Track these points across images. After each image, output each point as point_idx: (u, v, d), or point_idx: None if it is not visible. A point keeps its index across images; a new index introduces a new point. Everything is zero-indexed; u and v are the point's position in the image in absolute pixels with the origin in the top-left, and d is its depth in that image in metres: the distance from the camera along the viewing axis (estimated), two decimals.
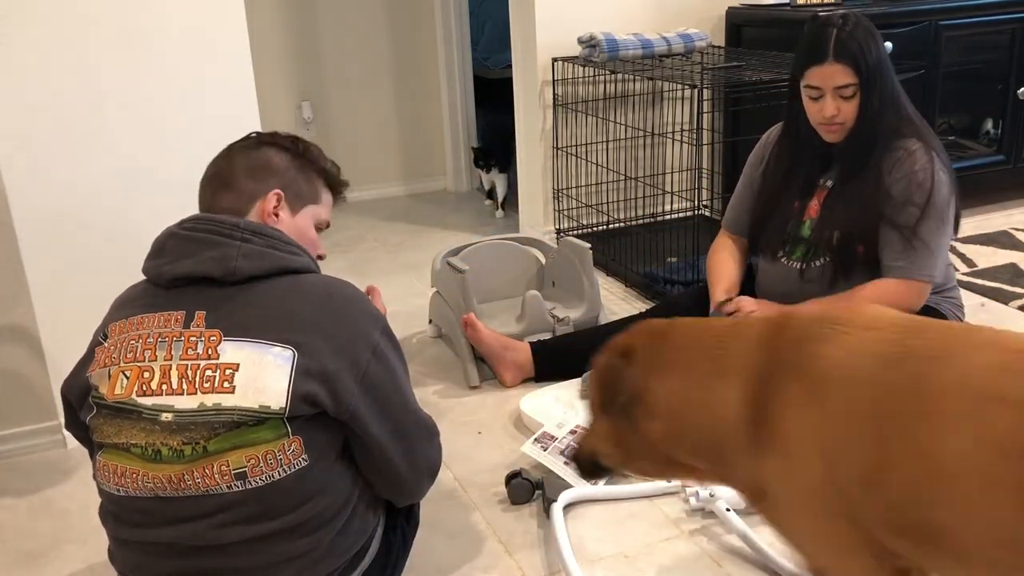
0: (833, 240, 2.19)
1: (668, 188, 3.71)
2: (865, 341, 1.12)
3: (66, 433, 2.34)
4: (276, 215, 1.53)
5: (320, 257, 1.61)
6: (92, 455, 1.48)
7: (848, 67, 2.06)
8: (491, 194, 4.41)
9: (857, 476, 1.07)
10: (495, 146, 4.34)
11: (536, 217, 3.77)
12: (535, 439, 2.12)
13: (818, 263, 2.24)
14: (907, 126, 2.15)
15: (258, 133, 1.62)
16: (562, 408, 2.34)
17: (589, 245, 2.80)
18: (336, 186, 1.67)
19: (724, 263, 2.43)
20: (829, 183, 2.24)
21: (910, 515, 1.04)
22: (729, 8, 3.76)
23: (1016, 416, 0.97)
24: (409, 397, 1.52)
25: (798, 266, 2.28)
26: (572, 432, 2.12)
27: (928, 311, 2.22)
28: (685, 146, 3.68)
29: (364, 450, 1.47)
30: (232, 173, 1.53)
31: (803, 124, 2.21)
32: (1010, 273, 3.21)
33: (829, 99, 2.10)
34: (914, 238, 2.11)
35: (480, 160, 4.32)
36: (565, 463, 2.03)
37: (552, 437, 2.12)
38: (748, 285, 2.45)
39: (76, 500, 2.14)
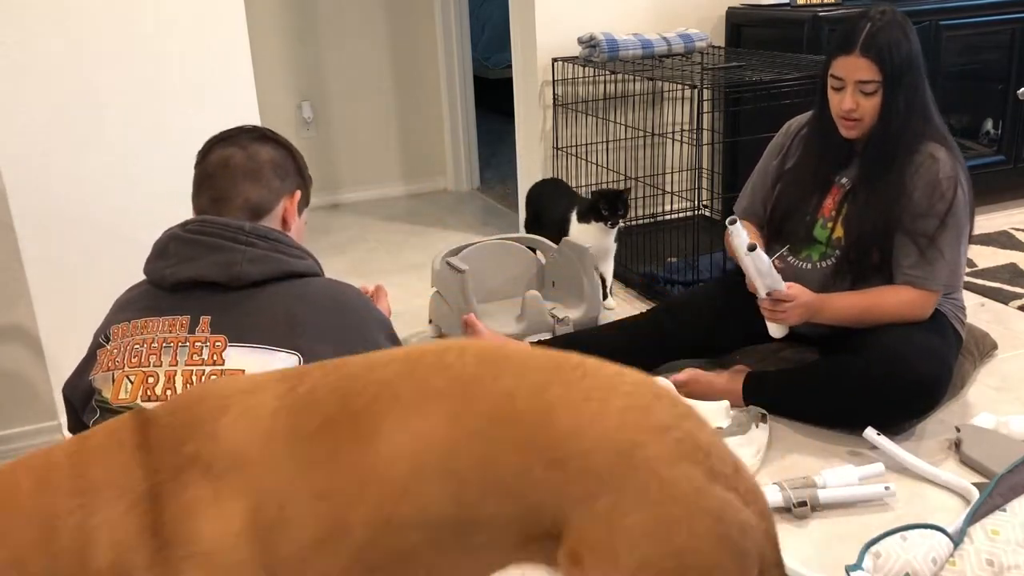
0: (854, 243, 2.19)
1: (668, 188, 3.71)
2: (257, 407, 1.00)
3: (66, 434, 2.34)
4: (296, 214, 1.56)
5: None
6: None
7: (873, 63, 2.04)
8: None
9: (309, 541, 0.95)
10: (610, 195, 2.88)
11: None
12: None
13: (828, 263, 2.24)
14: (934, 132, 2.14)
15: (255, 127, 1.61)
16: None
17: (589, 245, 2.80)
18: (309, 199, 1.66)
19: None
20: (844, 180, 2.23)
21: (386, 544, 0.96)
22: (729, 8, 3.76)
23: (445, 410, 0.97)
24: None
25: (806, 265, 2.28)
26: None
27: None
28: (685, 146, 3.68)
29: None
30: (259, 164, 1.51)
31: (827, 117, 2.21)
32: (1010, 273, 3.20)
33: (849, 92, 2.09)
34: (932, 248, 2.10)
35: (605, 210, 2.86)
36: None
37: None
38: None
39: None
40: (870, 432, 2.09)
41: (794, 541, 1.85)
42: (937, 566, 1.60)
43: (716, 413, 2.25)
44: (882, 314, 2.15)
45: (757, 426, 2.19)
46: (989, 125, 3.95)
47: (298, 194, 1.56)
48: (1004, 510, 1.66)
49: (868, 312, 2.16)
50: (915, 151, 2.12)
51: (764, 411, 2.23)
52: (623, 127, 3.66)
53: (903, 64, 2.05)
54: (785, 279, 2.31)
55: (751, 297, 2.43)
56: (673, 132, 3.69)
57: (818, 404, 2.19)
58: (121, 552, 0.94)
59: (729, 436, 2.16)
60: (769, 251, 2.38)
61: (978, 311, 2.88)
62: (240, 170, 1.49)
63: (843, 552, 1.81)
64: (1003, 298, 2.99)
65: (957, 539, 1.63)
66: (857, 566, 1.58)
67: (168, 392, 1.35)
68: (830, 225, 2.24)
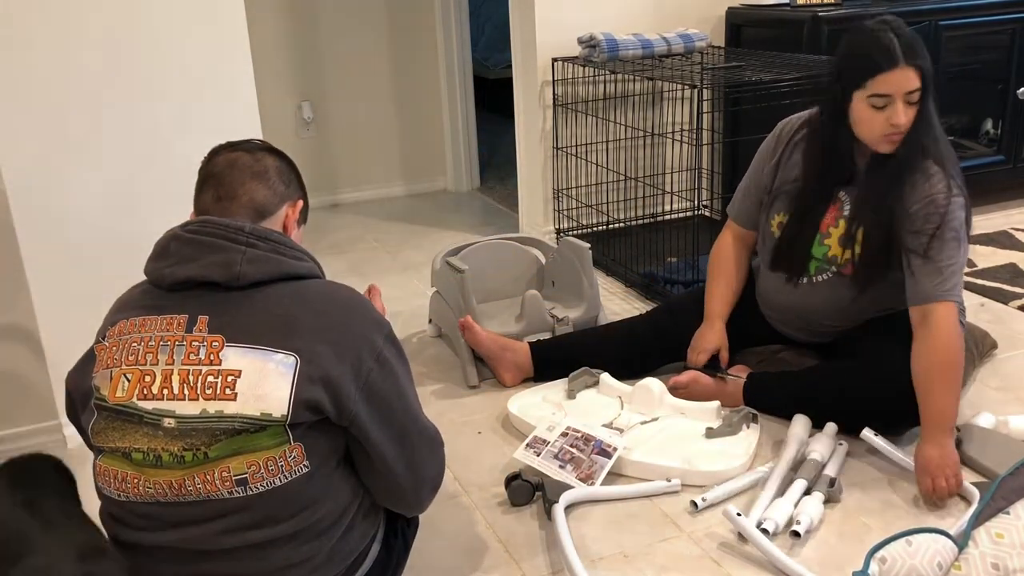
0: (862, 255, 2.16)
1: (668, 188, 3.71)
2: None
3: (66, 433, 2.34)
4: (296, 224, 1.55)
5: None
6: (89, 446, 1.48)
7: (917, 71, 1.98)
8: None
9: None
10: None
11: (536, 217, 3.77)
12: (527, 444, 2.11)
13: (823, 277, 2.23)
14: (932, 144, 2.08)
15: (259, 140, 1.61)
16: (550, 408, 2.34)
17: (589, 245, 2.80)
18: (307, 216, 1.65)
19: (720, 283, 2.41)
20: (843, 195, 2.20)
21: None
22: (729, 8, 3.76)
23: None
24: (412, 404, 1.51)
25: (805, 281, 2.27)
26: (563, 434, 2.11)
27: None
28: (685, 146, 3.68)
29: (364, 457, 1.47)
30: (265, 167, 1.51)
31: (843, 139, 2.12)
32: (1010, 273, 3.21)
33: (900, 106, 1.99)
34: (934, 262, 2.03)
35: None
36: (560, 467, 2.02)
37: (544, 441, 2.11)
38: (749, 286, 2.45)
39: None
40: (867, 433, 2.09)
41: (794, 541, 1.85)
42: (943, 571, 1.59)
43: (707, 413, 2.25)
44: (947, 355, 1.99)
45: (748, 427, 2.20)
46: (989, 125, 3.96)
47: (300, 203, 1.56)
48: (1008, 513, 1.66)
49: (945, 371, 1.99)
50: (912, 168, 2.07)
51: (755, 412, 2.24)
52: (623, 127, 3.66)
53: (931, 68, 2.02)
54: (776, 289, 2.31)
55: (751, 298, 2.43)
56: (673, 132, 3.69)
57: (818, 406, 2.19)
58: None
59: (719, 436, 2.17)
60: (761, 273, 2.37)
61: (978, 311, 2.89)
62: (248, 170, 1.50)
63: (842, 552, 1.81)
64: (1003, 298, 2.99)
65: (961, 543, 1.63)
66: (863, 572, 1.58)
67: (164, 391, 1.35)
68: (827, 242, 2.22)
